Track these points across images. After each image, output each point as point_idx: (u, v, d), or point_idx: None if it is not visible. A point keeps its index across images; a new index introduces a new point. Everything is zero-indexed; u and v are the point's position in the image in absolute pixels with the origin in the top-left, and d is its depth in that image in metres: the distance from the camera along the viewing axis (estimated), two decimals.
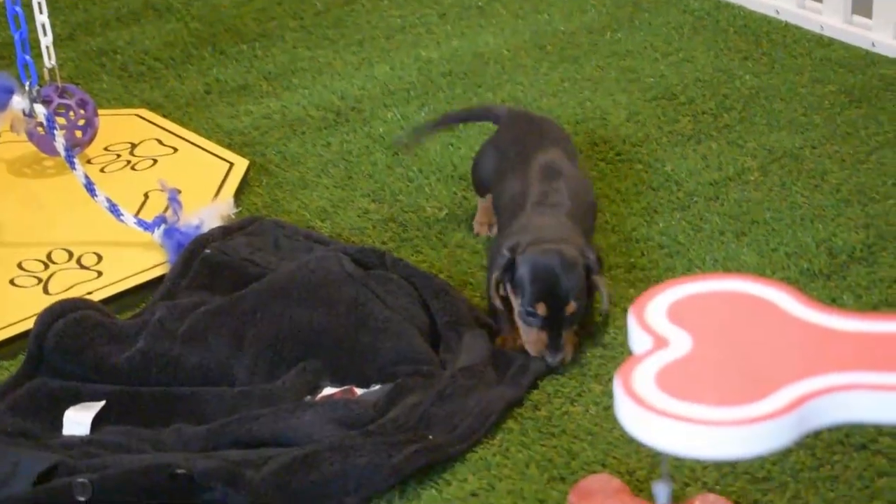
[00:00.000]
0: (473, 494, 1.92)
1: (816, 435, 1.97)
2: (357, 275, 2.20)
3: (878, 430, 1.98)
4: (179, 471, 1.85)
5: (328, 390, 2.07)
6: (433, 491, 1.92)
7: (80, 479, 1.86)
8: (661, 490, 1.17)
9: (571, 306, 2.10)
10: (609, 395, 2.08)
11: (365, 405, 1.99)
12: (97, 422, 2.07)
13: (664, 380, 1.12)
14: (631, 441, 1.98)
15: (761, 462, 1.93)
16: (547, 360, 2.10)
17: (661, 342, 1.16)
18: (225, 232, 2.39)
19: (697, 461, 1.94)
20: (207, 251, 2.33)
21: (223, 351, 2.12)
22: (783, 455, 1.94)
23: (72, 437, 2.03)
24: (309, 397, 2.06)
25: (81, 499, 1.85)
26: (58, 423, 2.07)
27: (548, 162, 2.30)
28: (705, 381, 1.12)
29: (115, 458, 1.93)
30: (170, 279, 2.31)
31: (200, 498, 1.87)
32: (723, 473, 1.92)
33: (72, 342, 2.15)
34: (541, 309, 2.08)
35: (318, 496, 1.87)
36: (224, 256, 2.32)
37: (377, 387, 2.06)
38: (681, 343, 1.16)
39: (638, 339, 1.17)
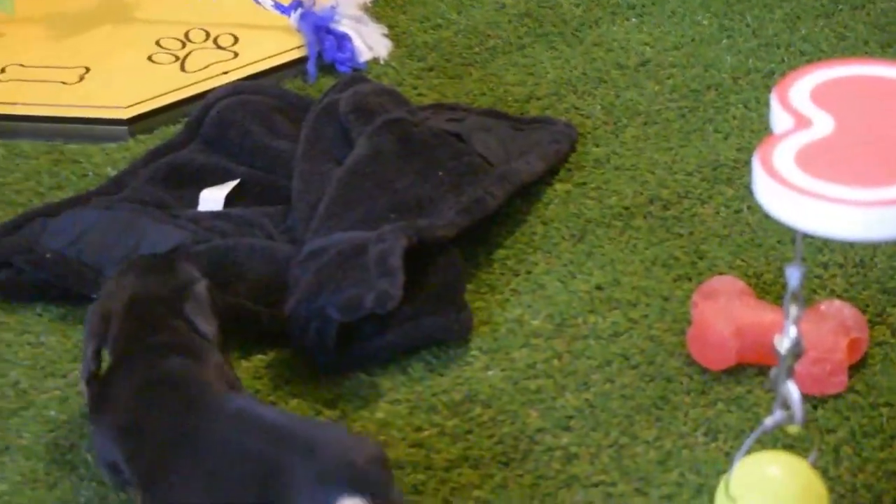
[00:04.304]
0: (599, 288, 1.92)
1: None
2: None
3: None
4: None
5: None
6: (557, 283, 1.93)
7: None
8: (794, 273, 1.16)
9: None
10: (740, 199, 2.06)
11: None
12: (232, 204, 2.07)
13: (804, 159, 1.10)
14: (760, 245, 1.98)
15: (892, 272, 1.91)
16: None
17: (802, 122, 1.14)
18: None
19: (825, 267, 1.92)
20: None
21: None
22: None
23: (201, 212, 2.05)
24: None
25: None
26: (193, 200, 2.09)
27: None
28: (845, 162, 1.10)
29: (233, 243, 1.95)
30: None
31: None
32: (851, 282, 1.90)
33: (231, 116, 2.16)
34: None
35: None
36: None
37: None
38: (823, 124, 1.13)
39: (779, 118, 1.15)
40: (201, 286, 1.70)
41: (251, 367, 1.83)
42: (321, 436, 1.46)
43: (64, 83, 2.38)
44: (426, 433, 1.72)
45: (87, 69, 2.41)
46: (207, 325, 1.67)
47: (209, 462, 1.48)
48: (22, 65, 2.44)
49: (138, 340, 1.63)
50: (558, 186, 2.11)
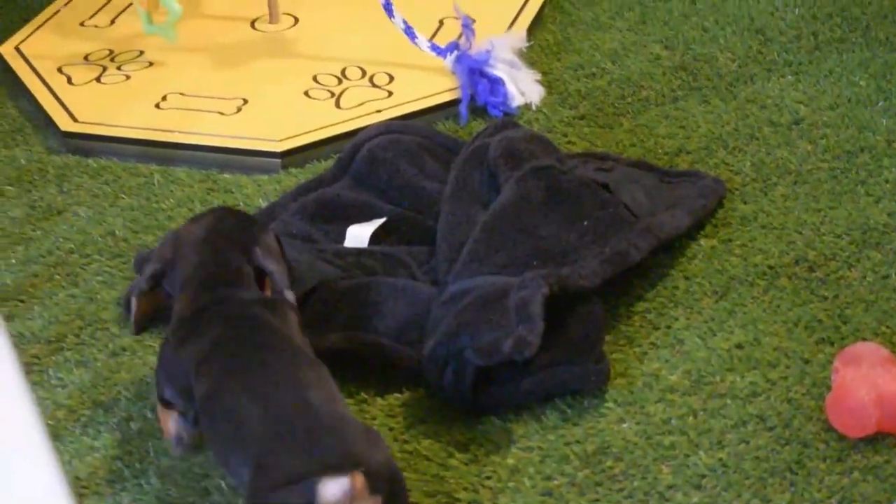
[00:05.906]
0: (738, 346, 1.91)
1: None
2: None
3: None
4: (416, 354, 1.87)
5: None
6: (697, 339, 1.92)
7: None
8: None
9: None
10: (889, 264, 2.03)
11: None
12: (378, 241, 2.10)
13: None
14: None
15: None
16: None
17: None
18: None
19: None
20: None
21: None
22: None
23: (346, 247, 2.08)
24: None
25: None
26: (339, 235, 2.12)
27: None
28: None
29: (375, 281, 1.97)
30: None
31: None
32: None
33: (381, 154, 2.20)
34: None
35: None
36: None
37: None
38: None
39: None
40: (270, 236, 1.81)
41: (386, 405, 1.84)
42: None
43: (221, 113, 2.43)
44: (556, 482, 1.72)
45: (245, 101, 2.46)
46: (276, 266, 1.78)
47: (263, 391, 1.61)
48: (182, 93, 2.50)
49: (210, 287, 1.74)
50: (703, 242, 2.10)
